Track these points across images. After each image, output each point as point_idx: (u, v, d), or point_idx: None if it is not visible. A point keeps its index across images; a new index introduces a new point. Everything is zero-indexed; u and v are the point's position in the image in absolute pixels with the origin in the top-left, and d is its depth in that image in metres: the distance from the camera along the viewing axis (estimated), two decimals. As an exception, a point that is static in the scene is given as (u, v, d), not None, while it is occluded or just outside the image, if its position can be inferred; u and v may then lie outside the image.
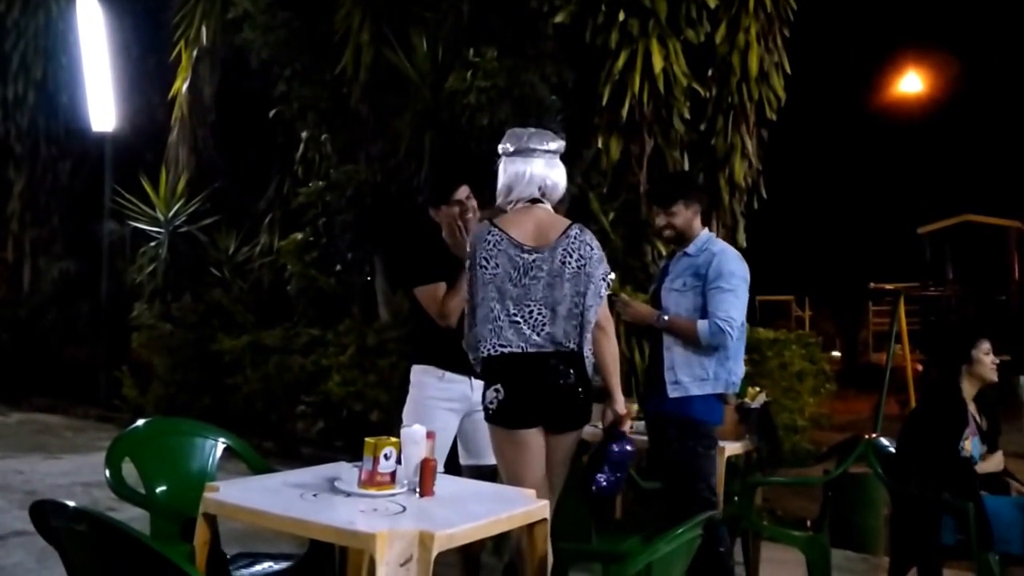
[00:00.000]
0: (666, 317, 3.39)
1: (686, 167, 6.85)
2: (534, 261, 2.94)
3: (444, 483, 2.54)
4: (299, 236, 8.05)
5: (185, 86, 9.96)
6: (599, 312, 2.98)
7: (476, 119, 6.24)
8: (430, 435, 2.58)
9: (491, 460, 3.19)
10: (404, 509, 2.29)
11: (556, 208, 3.16)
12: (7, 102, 11.67)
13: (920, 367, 10.62)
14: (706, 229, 3.57)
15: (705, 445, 3.37)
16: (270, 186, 9.50)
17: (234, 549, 2.85)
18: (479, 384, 3.10)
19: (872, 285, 14.86)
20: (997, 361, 3.72)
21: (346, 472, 2.49)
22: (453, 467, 3.41)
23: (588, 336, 2.95)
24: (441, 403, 3.41)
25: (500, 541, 3.40)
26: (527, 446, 2.91)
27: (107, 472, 2.79)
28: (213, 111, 10.01)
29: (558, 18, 6.44)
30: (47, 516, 2.02)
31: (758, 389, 3.96)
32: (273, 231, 9.23)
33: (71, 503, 2.01)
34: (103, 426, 8.76)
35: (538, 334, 2.91)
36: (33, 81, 11.62)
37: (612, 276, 3.11)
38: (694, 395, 3.33)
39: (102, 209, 10.40)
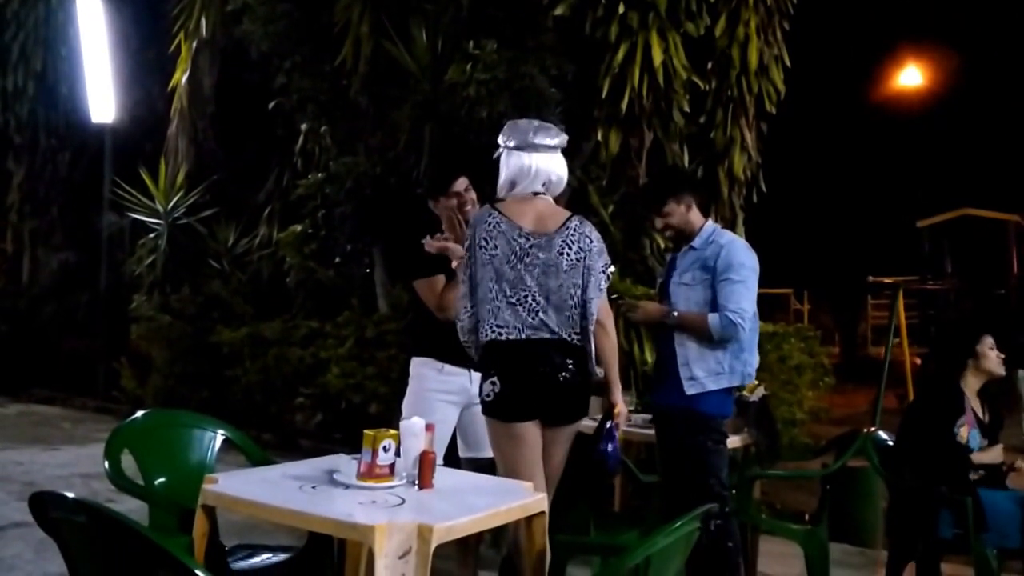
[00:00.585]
0: (676, 314, 3.34)
1: (685, 160, 6.85)
2: (531, 247, 2.94)
3: (443, 476, 2.54)
4: (298, 228, 8.04)
5: (184, 78, 9.93)
6: (600, 305, 2.98)
7: (475, 111, 6.23)
8: (429, 427, 2.57)
9: (490, 453, 3.19)
10: (403, 501, 2.29)
11: (556, 201, 3.15)
12: (6, 93, 11.64)
13: (918, 361, 10.64)
14: (709, 220, 3.52)
15: (715, 439, 3.34)
16: (269, 178, 9.49)
17: (232, 541, 2.85)
18: (478, 376, 3.10)
19: (871, 279, 14.84)
20: (1003, 356, 3.72)
21: (345, 464, 2.49)
22: (452, 460, 3.41)
23: (591, 328, 2.95)
24: (440, 395, 3.41)
25: (498, 534, 3.40)
26: (523, 439, 2.91)
27: (106, 463, 2.79)
28: (212, 103, 9.99)
29: (558, 10, 6.43)
30: (46, 507, 2.02)
31: (756, 382, 3.96)
32: (272, 223, 9.22)
33: (70, 494, 2.01)
34: (102, 418, 8.76)
35: (533, 319, 2.90)
36: (33, 72, 11.58)
37: (612, 269, 3.11)
38: (711, 390, 3.29)
39: (101, 200, 10.39)
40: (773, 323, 6.67)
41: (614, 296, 3.66)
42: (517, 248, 2.93)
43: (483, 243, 2.94)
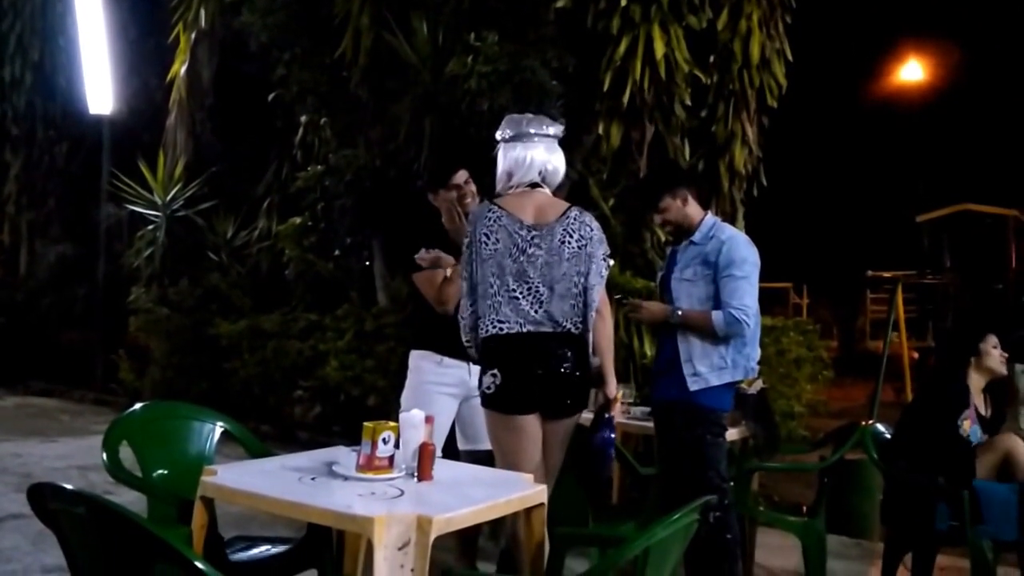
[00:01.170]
0: (679, 312, 3.31)
1: (686, 154, 6.84)
2: (532, 239, 2.94)
3: (442, 467, 2.54)
4: (297, 221, 8.03)
5: (183, 69, 9.90)
6: (599, 293, 2.98)
7: (476, 104, 6.21)
8: (429, 419, 2.57)
9: (488, 445, 3.19)
10: (402, 493, 2.29)
11: (555, 194, 3.14)
12: (4, 84, 11.62)
13: (916, 355, 10.64)
14: (708, 213, 3.50)
15: (714, 433, 3.33)
16: (268, 170, 9.47)
17: (231, 533, 2.85)
18: (477, 369, 3.10)
19: (870, 273, 14.85)
20: (1006, 355, 3.75)
21: (344, 456, 2.49)
22: (451, 452, 3.41)
23: (592, 317, 2.95)
24: (439, 388, 3.40)
25: (497, 526, 3.40)
26: (523, 432, 2.91)
27: (104, 455, 2.78)
28: (211, 94, 9.96)
29: (560, 3, 6.41)
30: (44, 498, 2.01)
31: (755, 375, 3.95)
32: (271, 215, 9.20)
33: (68, 485, 2.00)
34: (100, 410, 8.77)
35: (536, 311, 2.90)
36: (30, 63, 11.57)
37: (611, 262, 3.10)
38: (714, 385, 3.28)
39: (99, 192, 10.38)
40: (772, 317, 6.67)
41: (618, 296, 3.66)
42: (519, 240, 2.93)
43: (484, 238, 2.93)
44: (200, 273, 9.06)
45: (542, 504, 2.44)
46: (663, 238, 6.33)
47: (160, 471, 2.89)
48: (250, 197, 9.61)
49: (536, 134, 3.02)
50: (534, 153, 3.01)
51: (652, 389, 3.55)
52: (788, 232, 14.31)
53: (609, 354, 3.07)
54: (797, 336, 6.52)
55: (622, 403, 3.79)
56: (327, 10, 7.43)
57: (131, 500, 2.56)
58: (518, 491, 2.45)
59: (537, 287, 2.91)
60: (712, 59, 6.90)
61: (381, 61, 7.14)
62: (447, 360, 3.40)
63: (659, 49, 6.35)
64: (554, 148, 3.06)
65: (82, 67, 10.45)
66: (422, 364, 3.46)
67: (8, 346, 10.82)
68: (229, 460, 2.78)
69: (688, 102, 6.70)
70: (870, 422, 4.15)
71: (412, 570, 2.05)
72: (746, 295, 3.25)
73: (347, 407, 7.21)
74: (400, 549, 2.04)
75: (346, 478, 2.38)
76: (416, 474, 2.42)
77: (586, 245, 2.96)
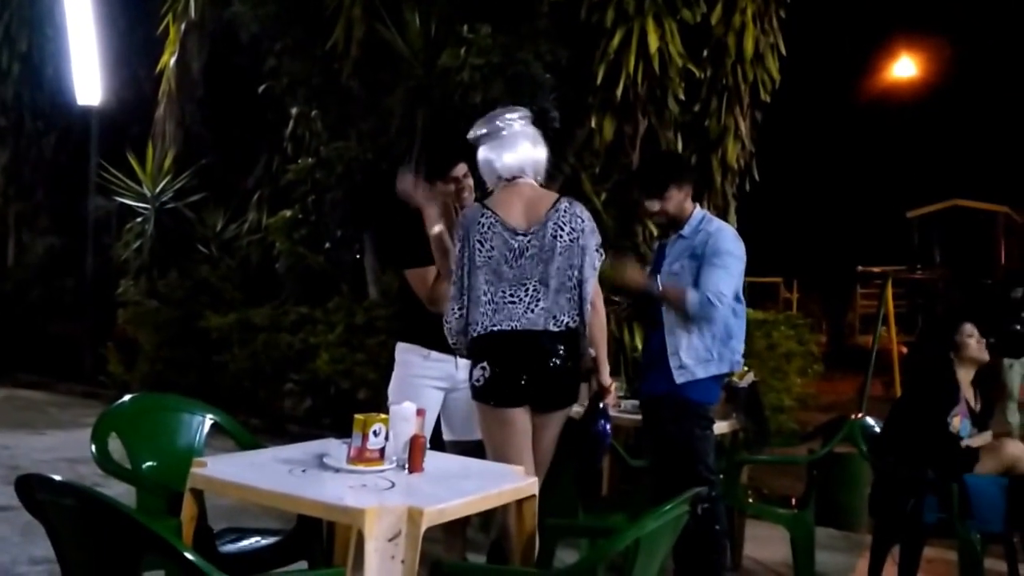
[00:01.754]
0: (660, 285, 3.36)
1: (679, 148, 6.84)
2: (529, 242, 2.92)
3: (433, 460, 2.54)
4: (288, 213, 7.99)
5: (173, 60, 9.83)
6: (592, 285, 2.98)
7: (469, 97, 6.19)
8: (420, 412, 2.57)
9: (473, 436, 3.19)
10: (393, 485, 2.29)
11: (549, 187, 3.13)
12: (-9, 74, 11.51)
13: (905, 349, 10.69)
14: (697, 206, 3.53)
15: (702, 426, 3.37)
16: (259, 163, 9.42)
17: (221, 525, 2.85)
18: (464, 363, 3.09)
19: (860, 268, 14.90)
20: (984, 341, 3.75)
21: (335, 448, 2.49)
22: (435, 443, 3.40)
23: (588, 311, 2.94)
24: (426, 381, 3.40)
25: (487, 518, 3.41)
26: (513, 425, 2.91)
27: (93, 447, 2.77)
28: (201, 86, 9.89)
29: (553, -5, 6.40)
30: (33, 490, 2.00)
31: (746, 369, 3.97)
32: (262, 208, 9.16)
33: (57, 477, 1.99)
34: (88, 403, 8.72)
35: (532, 311, 2.89)
36: (18, 53, 11.44)
37: (603, 253, 3.10)
38: (701, 378, 3.31)
39: (87, 184, 10.30)
40: (763, 311, 6.69)
41: (613, 297, 3.67)
42: (515, 246, 2.91)
43: (478, 245, 2.91)
44: (189, 266, 9.01)
45: (534, 496, 2.45)
46: (655, 232, 6.34)
47: (149, 463, 2.88)
48: (240, 189, 9.56)
49: (504, 128, 3.01)
50: (506, 147, 2.99)
51: (640, 383, 3.57)
52: (779, 227, 14.37)
53: (603, 344, 3.07)
54: (788, 330, 6.55)
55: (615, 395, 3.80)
56: (318, 1, 7.39)
57: (120, 492, 2.54)
58: (509, 483, 2.46)
59: (535, 286, 2.90)
60: (706, 53, 6.90)
61: (373, 53, 7.11)
62: (434, 354, 3.39)
63: (653, 43, 6.34)
64: (523, 138, 3.02)
65: (70, 58, 10.35)
66: (409, 358, 3.46)
67: (-4, 338, 10.75)
68: (219, 453, 2.77)
69: (682, 96, 6.70)
70: (859, 416, 4.17)
71: (403, 561, 2.05)
72: (721, 283, 3.28)
73: (338, 400, 7.19)
74: (391, 540, 2.04)
75: (337, 470, 2.37)
76: (407, 466, 2.41)
77: (578, 238, 2.95)
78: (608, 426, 3.07)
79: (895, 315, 9.55)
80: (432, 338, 3.33)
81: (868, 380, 7.27)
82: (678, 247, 3.45)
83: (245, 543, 2.78)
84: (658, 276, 3.43)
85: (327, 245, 7.94)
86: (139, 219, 9.58)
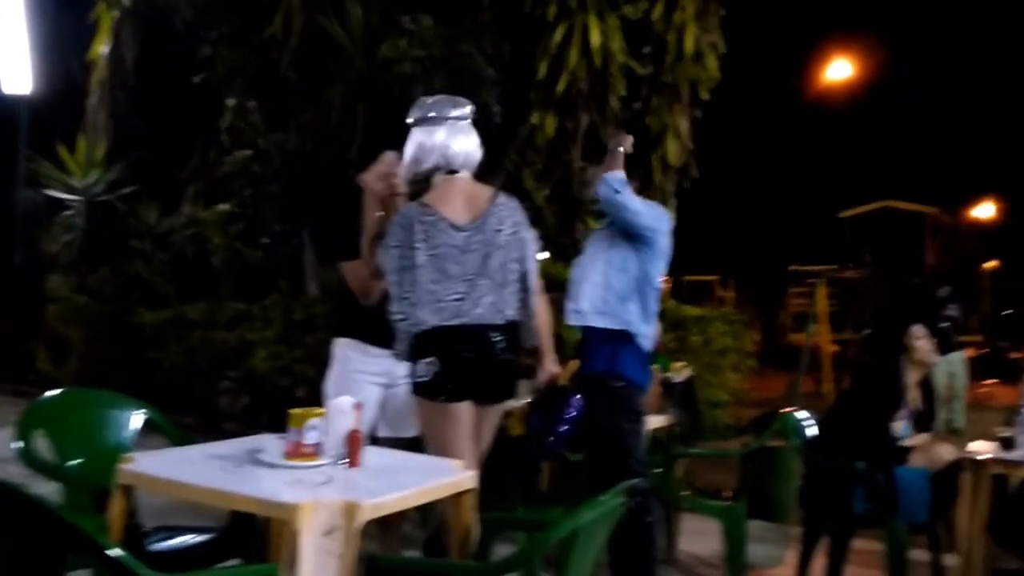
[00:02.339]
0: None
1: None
2: (471, 236, 2.92)
3: (372, 455, 2.52)
4: (224, 207, 7.85)
5: (105, 48, 9.57)
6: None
7: (411, 89, 6.16)
8: (358, 406, 2.55)
9: (409, 432, 3.18)
10: (329, 480, 2.26)
11: (489, 183, 3.13)
12: (-88, 60, 11.01)
13: (838, 347, 10.98)
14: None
15: (631, 420, 3.42)
16: (194, 155, 9.23)
17: (155, 524, 2.78)
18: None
19: (792, 267, 15.28)
20: (933, 342, 3.81)
21: (270, 444, 2.45)
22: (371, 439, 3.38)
23: (533, 302, 2.96)
24: (365, 376, 3.37)
25: (426, 512, 3.40)
26: (457, 419, 2.90)
27: (18, 442, 2.68)
28: (134, 75, 9.66)
29: (497, -12, 6.41)
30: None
31: (683, 363, 4.04)
32: (197, 202, 8.98)
33: (-23, 474, 1.93)
34: (16, 401, 8.40)
35: (479, 306, 2.89)
36: (-60, 38, 10.98)
37: (542, 253, 3.12)
38: (593, 326, 3.40)
39: (16, 176, 9.97)
40: (700, 307, 6.81)
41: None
42: (459, 242, 2.90)
43: (421, 244, 2.88)
44: (122, 260, 8.79)
45: (473, 490, 2.45)
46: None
47: (77, 460, 2.80)
48: (175, 182, 9.35)
49: (438, 117, 2.97)
50: (436, 137, 2.97)
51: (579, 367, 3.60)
52: (716, 225, 14.64)
53: (547, 332, 3.10)
54: (723, 326, 6.67)
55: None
56: (256, -11, 7.28)
57: (48, 492, 2.47)
58: (447, 477, 2.45)
59: (481, 281, 2.90)
60: (647, 50, 6.99)
61: (313, 43, 7.02)
62: (373, 349, 3.36)
63: (595, 39, 6.40)
64: (459, 129, 2.99)
65: (-3, 44, 10.00)
66: (348, 353, 3.42)
67: (-83, 335, 10.31)
68: (151, 451, 2.71)
69: (623, 93, 6.77)
70: (790, 410, 4.27)
71: (339, 556, 2.03)
72: (628, 196, 3.37)
73: (275, 398, 7.08)
74: (327, 535, 2.02)
75: (272, 465, 2.34)
76: (344, 461, 2.39)
77: (518, 231, 2.97)
78: (569, 429, 3.10)
79: (827, 314, 9.83)
80: (371, 333, 3.30)
81: (799, 377, 7.46)
82: (605, 231, 3.54)
83: (176, 541, 2.72)
84: (591, 271, 3.48)
85: (265, 239, 7.82)
86: (69, 212, 9.30)
